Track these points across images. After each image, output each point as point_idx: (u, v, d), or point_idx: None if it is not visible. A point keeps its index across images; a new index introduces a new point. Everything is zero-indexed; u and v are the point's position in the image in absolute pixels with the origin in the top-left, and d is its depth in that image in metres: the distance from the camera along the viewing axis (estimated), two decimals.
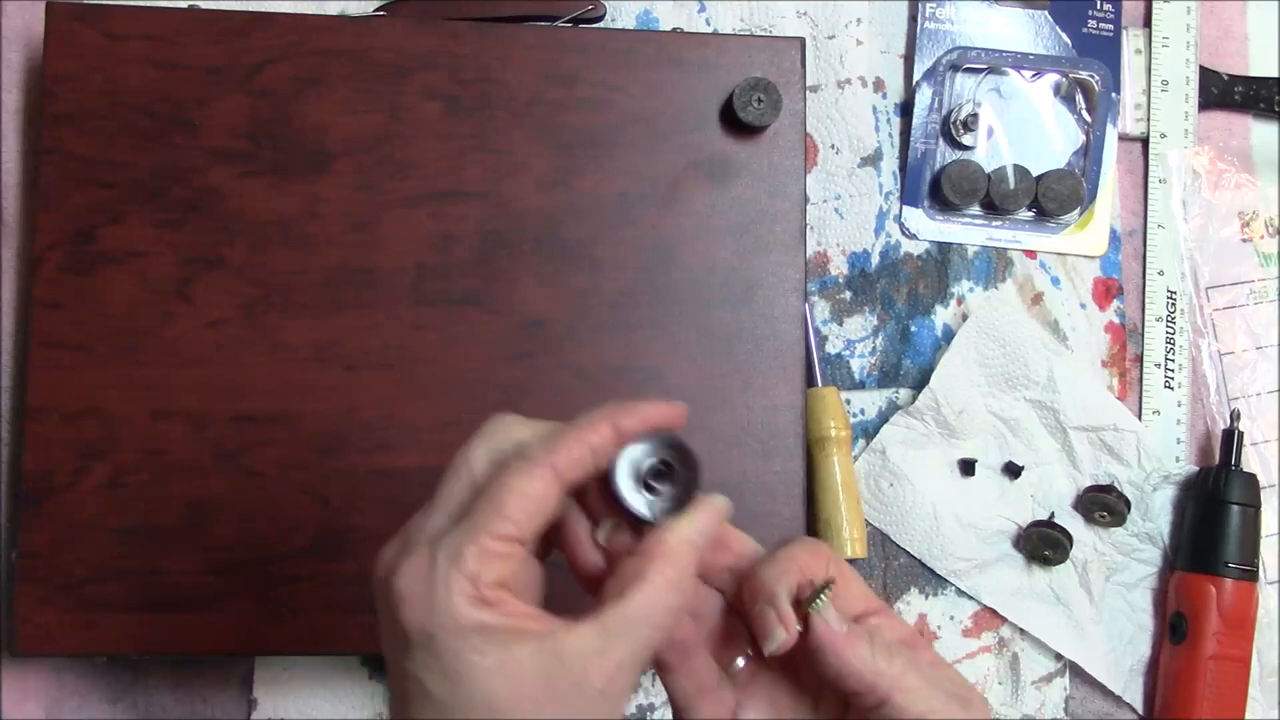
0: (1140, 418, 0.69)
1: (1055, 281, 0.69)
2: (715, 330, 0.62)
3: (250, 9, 0.63)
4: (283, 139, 0.61)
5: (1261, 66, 0.72)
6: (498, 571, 0.38)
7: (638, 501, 0.41)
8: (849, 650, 0.41)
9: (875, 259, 0.68)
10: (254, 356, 0.60)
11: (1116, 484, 0.67)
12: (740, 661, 0.44)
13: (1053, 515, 0.67)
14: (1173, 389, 0.69)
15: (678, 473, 0.41)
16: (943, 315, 0.68)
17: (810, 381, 0.65)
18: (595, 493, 0.42)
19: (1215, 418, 0.69)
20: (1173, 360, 0.69)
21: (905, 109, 0.69)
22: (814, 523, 0.64)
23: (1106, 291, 0.69)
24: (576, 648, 0.38)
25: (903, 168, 0.69)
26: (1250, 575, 0.65)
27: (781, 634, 0.41)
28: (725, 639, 0.44)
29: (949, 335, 0.68)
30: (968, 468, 0.67)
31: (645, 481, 0.41)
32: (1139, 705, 0.67)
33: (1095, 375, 0.68)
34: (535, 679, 0.37)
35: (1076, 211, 0.69)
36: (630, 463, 0.41)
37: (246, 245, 0.60)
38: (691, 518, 0.41)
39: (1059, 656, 0.67)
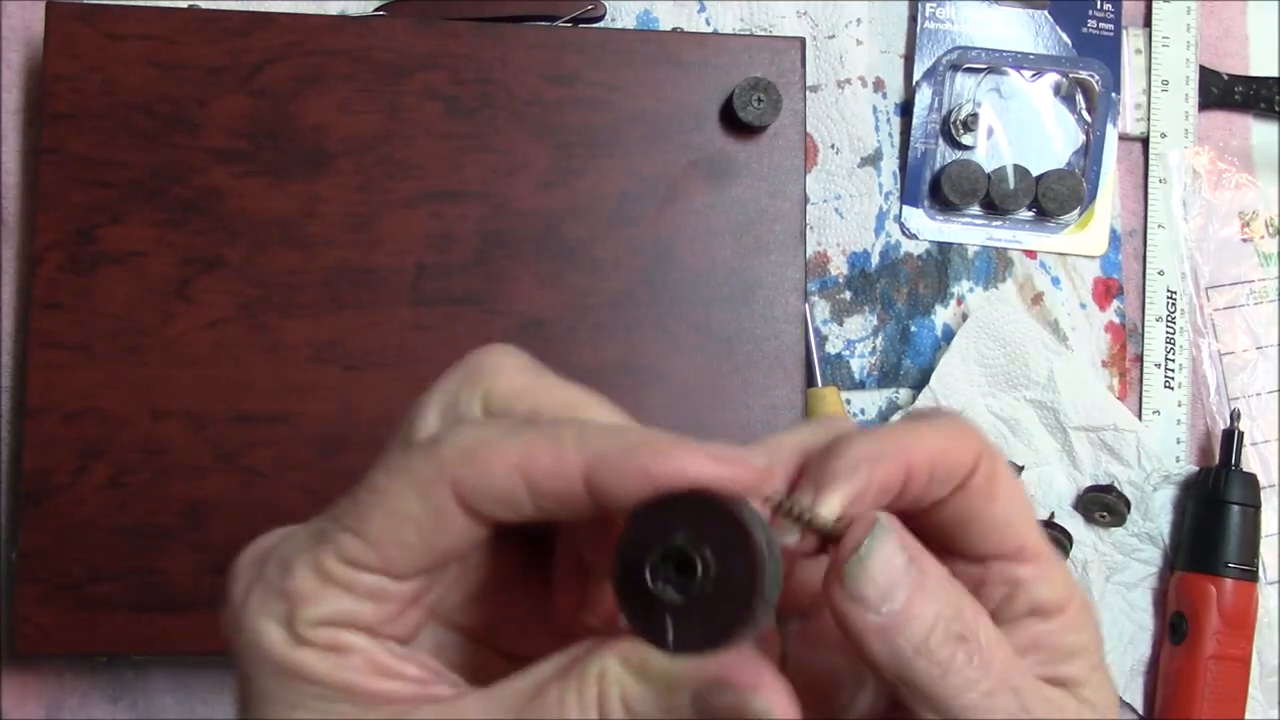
0: (1140, 418, 0.69)
1: (1055, 281, 0.69)
2: (715, 330, 0.62)
3: (250, 9, 0.63)
4: (283, 139, 0.61)
5: (1261, 66, 0.72)
6: (334, 606, 0.26)
7: (642, 606, 0.26)
8: (881, 642, 0.27)
9: (875, 259, 0.68)
10: (254, 356, 0.60)
11: (1116, 484, 0.67)
12: None
13: (1053, 515, 0.67)
14: (1173, 389, 0.69)
15: (714, 573, 0.25)
16: (943, 315, 0.68)
17: (810, 381, 0.65)
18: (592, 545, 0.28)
19: (1215, 418, 0.69)
20: (1173, 360, 0.69)
21: (905, 109, 0.69)
22: None
23: (1106, 291, 0.69)
24: None
25: (903, 168, 0.69)
26: (1250, 575, 0.65)
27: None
28: None
29: (949, 335, 0.68)
30: None
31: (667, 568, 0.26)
32: (1139, 705, 0.67)
33: (1095, 375, 0.68)
34: None
35: (1076, 211, 0.69)
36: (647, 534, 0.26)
37: (246, 245, 0.60)
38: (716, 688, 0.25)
39: None
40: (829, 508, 0.27)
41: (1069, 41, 0.70)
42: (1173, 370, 0.69)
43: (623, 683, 0.26)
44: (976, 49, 0.69)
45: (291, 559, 0.27)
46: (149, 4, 0.62)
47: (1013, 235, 0.69)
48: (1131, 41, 0.71)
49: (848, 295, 0.68)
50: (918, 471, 0.28)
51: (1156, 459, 0.67)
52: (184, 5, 0.63)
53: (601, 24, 0.66)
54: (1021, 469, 0.67)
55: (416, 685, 0.27)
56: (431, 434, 0.27)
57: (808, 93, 0.66)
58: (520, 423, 0.27)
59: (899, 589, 0.26)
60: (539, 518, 0.27)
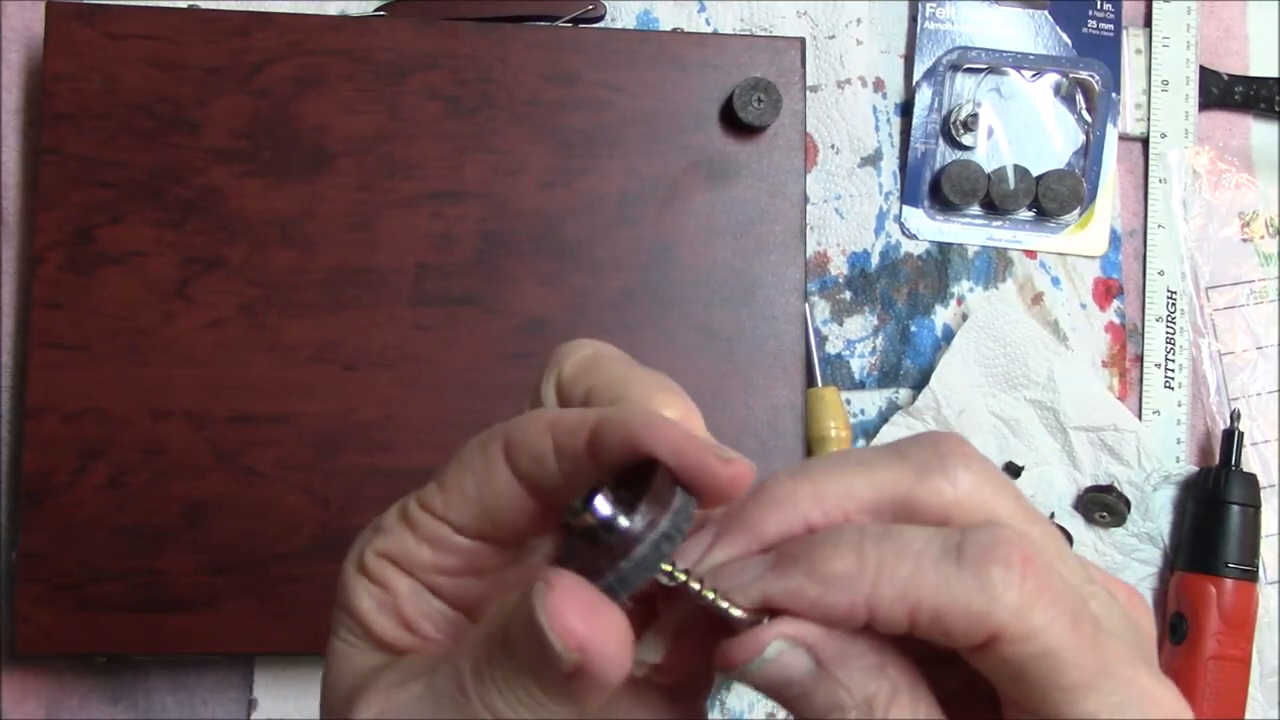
0: (1140, 418, 0.69)
1: (1055, 281, 0.69)
2: (715, 330, 0.62)
3: (250, 9, 0.63)
4: (283, 139, 0.61)
5: (1261, 66, 0.72)
6: (398, 541, 0.29)
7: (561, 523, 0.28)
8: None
9: (875, 259, 0.68)
10: (254, 356, 0.60)
11: (1116, 484, 0.67)
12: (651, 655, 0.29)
13: (1052, 515, 0.67)
14: (1173, 389, 0.69)
15: (610, 520, 0.26)
16: (943, 315, 0.68)
17: (810, 381, 0.65)
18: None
19: (1215, 418, 0.69)
20: (1173, 360, 0.69)
21: (905, 109, 0.69)
22: None
23: (1106, 291, 0.69)
24: (400, 699, 0.28)
25: (903, 168, 0.69)
26: (1250, 575, 0.65)
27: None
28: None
29: (949, 335, 0.68)
30: None
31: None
32: None
33: (1095, 375, 0.68)
34: (352, 692, 0.29)
35: (1076, 211, 0.69)
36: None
37: (246, 245, 0.60)
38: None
39: None
40: (750, 595, 0.27)
41: (1069, 41, 0.70)
42: (1173, 370, 0.69)
43: (506, 604, 0.27)
44: (976, 49, 0.69)
45: (396, 504, 0.30)
46: (149, 4, 0.62)
47: (1013, 235, 0.69)
48: (1131, 41, 0.71)
49: (848, 295, 0.68)
50: (888, 614, 0.26)
51: (1156, 459, 0.67)
52: (184, 5, 0.63)
53: (601, 24, 0.66)
54: (1021, 469, 0.67)
55: (420, 641, 0.30)
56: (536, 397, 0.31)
57: (808, 93, 0.66)
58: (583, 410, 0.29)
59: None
60: (561, 482, 0.28)
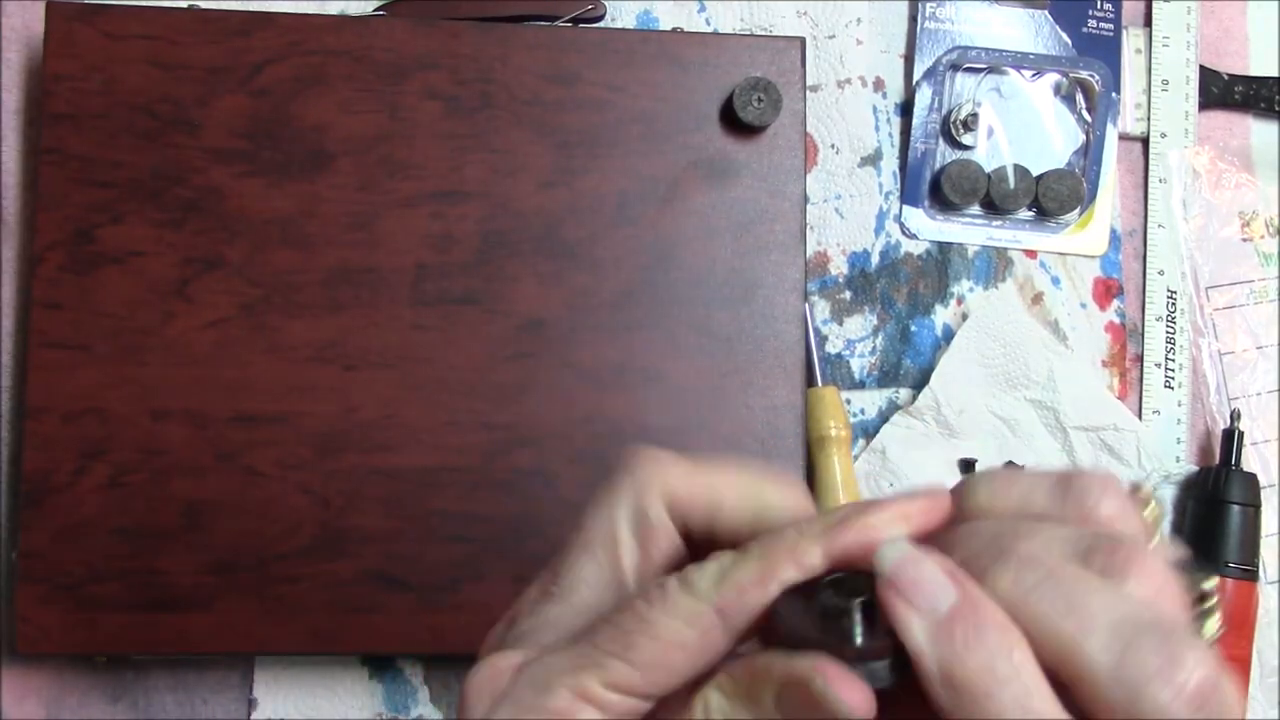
0: (1140, 417, 0.69)
1: (1055, 281, 0.69)
2: (715, 330, 0.62)
3: (250, 9, 0.63)
4: (283, 139, 0.61)
5: (1261, 66, 0.72)
6: None
7: (791, 602, 0.29)
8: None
9: (875, 259, 0.68)
10: (254, 356, 0.60)
11: None
12: None
13: None
14: (1173, 389, 0.69)
15: (854, 615, 0.28)
16: (943, 315, 0.68)
17: (810, 381, 0.65)
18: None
19: (1215, 418, 0.69)
20: (1173, 360, 0.69)
21: (905, 109, 0.69)
22: None
23: (1106, 291, 0.70)
24: None
25: (903, 168, 0.69)
26: (1250, 575, 0.65)
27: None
28: None
29: (949, 335, 0.68)
30: (968, 468, 0.67)
31: (818, 599, 0.29)
32: None
33: (1095, 375, 0.68)
34: None
35: (1076, 211, 0.69)
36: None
37: (246, 245, 0.60)
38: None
39: None
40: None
41: (1069, 41, 0.70)
42: (1173, 370, 0.69)
43: (722, 688, 0.28)
44: (976, 49, 0.69)
45: (551, 681, 0.29)
46: (149, 4, 0.62)
47: (1013, 235, 0.69)
48: (1131, 41, 0.71)
49: (848, 295, 0.68)
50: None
51: (1156, 459, 0.67)
52: (184, 5, 0.63)
53: (601, 24, 0.66)
54: (1022, 469, 0.67)
55: None
56: (683, 573, 0.30)
57: (808, 93, 0.66)
58: (752, 548, 0.30)
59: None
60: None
